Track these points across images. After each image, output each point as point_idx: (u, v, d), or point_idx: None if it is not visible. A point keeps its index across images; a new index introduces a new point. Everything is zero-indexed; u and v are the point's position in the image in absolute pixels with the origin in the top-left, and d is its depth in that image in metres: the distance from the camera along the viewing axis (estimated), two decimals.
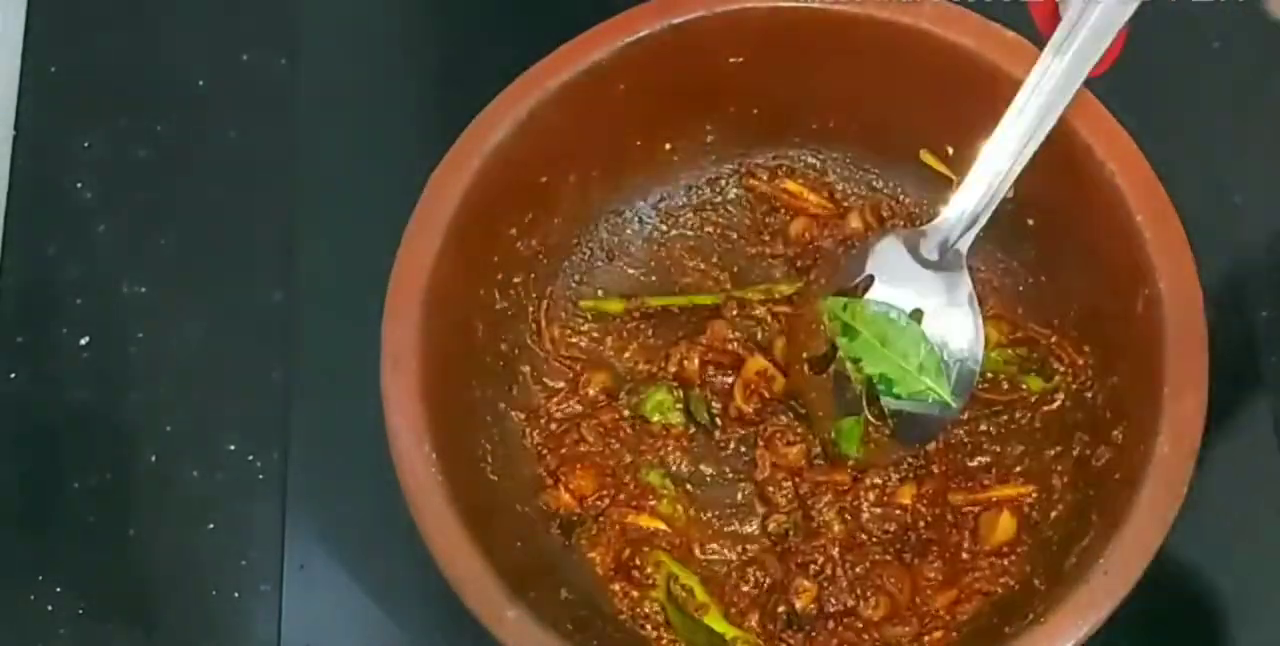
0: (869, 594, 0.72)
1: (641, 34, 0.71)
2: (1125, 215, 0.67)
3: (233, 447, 0.80)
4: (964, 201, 0.70)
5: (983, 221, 0.70)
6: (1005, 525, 0.73)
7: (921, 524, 0.74)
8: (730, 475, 0.76)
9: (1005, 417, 0.76)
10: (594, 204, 0.80)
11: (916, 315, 0.72)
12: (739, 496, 0.76)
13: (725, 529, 0.75)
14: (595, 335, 0.79)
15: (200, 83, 0.89)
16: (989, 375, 0.76)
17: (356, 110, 0.87)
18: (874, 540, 0.74)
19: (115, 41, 0.91)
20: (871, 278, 0.73)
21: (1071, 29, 0.66)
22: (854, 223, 0.80)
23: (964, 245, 0.71)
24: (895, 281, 0.73)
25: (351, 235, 0.82)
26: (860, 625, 0.71)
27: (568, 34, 0.72)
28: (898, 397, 0.72)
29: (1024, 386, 0.76)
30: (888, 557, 0.73)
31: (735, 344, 0.77)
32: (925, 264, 0.72)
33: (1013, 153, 0.68)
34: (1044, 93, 0.67)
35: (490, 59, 0.75)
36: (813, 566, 0.73)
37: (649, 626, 0.72)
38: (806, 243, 0.80)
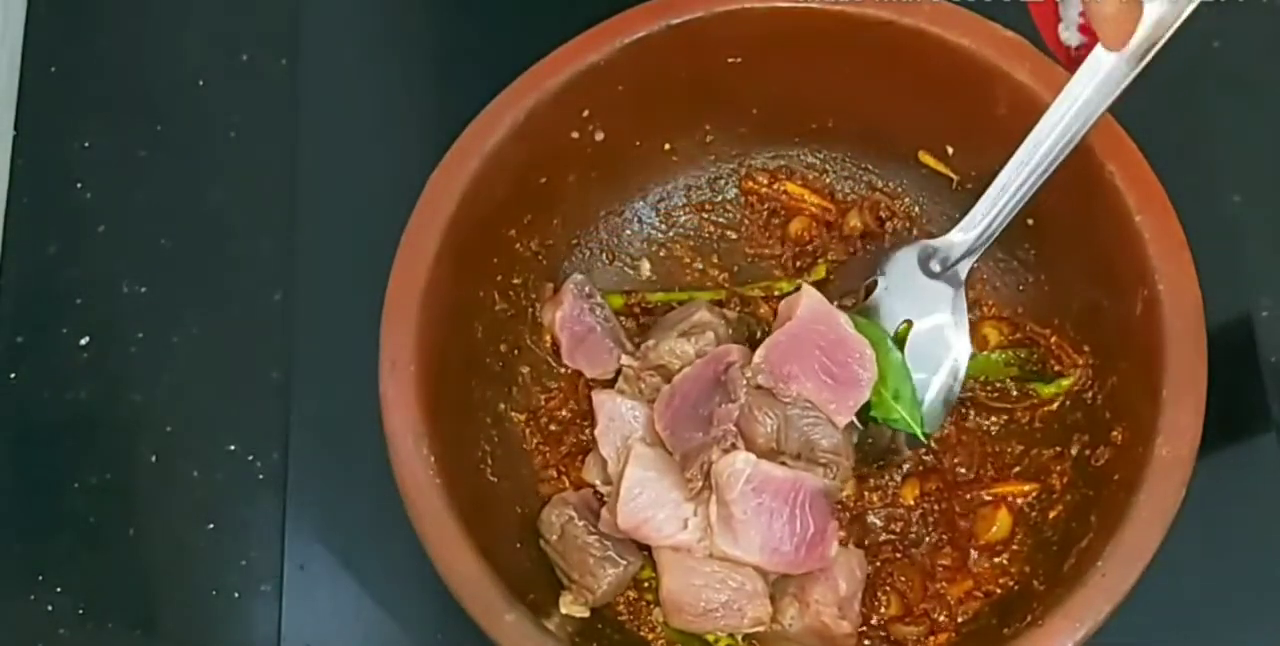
0: (879, 593, 0.72)
1: (640, 34, 0.71)
2: (1125, 215, 0.67)
3: (233, 447, 0.80)
4: (973, 227, 0.71)
5: (982, 250, 0.71)
6: (1001, 523, 0.73)
7: (930, 519, 0.74)
8: None
9: (1005, 417, 0.76)
10: (593, 204, 0.80)
11: (906, 325, 0.72)
12: None
13: None
14: None
15: (200, 83, 0.89)
16: (984, 379, 0.76)
17: (356, 110, 0.87)
18: (881, 540, 0.74)
19: (115, 41, 0.91)
20: (875, 281, 0.73)
21: (1101, 60, 0.65)
22: (853, 222, 0.80)
23: (962, 269, 0.72)
24: (897, 288, 0.73)
25: (351, 235, 0.83)
26: (874, 623, 0.72)
27: (567, 34, 0.72)
28: (874, 420, 0.72)
29: (1032, 393, 0.75)
30: (897, 556, 0.73)
31: None
32: (929, 276, 0.72)
33: (1029, 183, 0.68)
34: (1065, 123, 0.66)
35: (490, 59, 0.75)
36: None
37: (646, 628, 0.72)
38: (806, 242, 0.80)
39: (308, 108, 0.87)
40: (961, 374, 0.72)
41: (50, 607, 0.77)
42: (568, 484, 0.75)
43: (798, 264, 0.80)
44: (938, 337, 0.72)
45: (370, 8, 0.91)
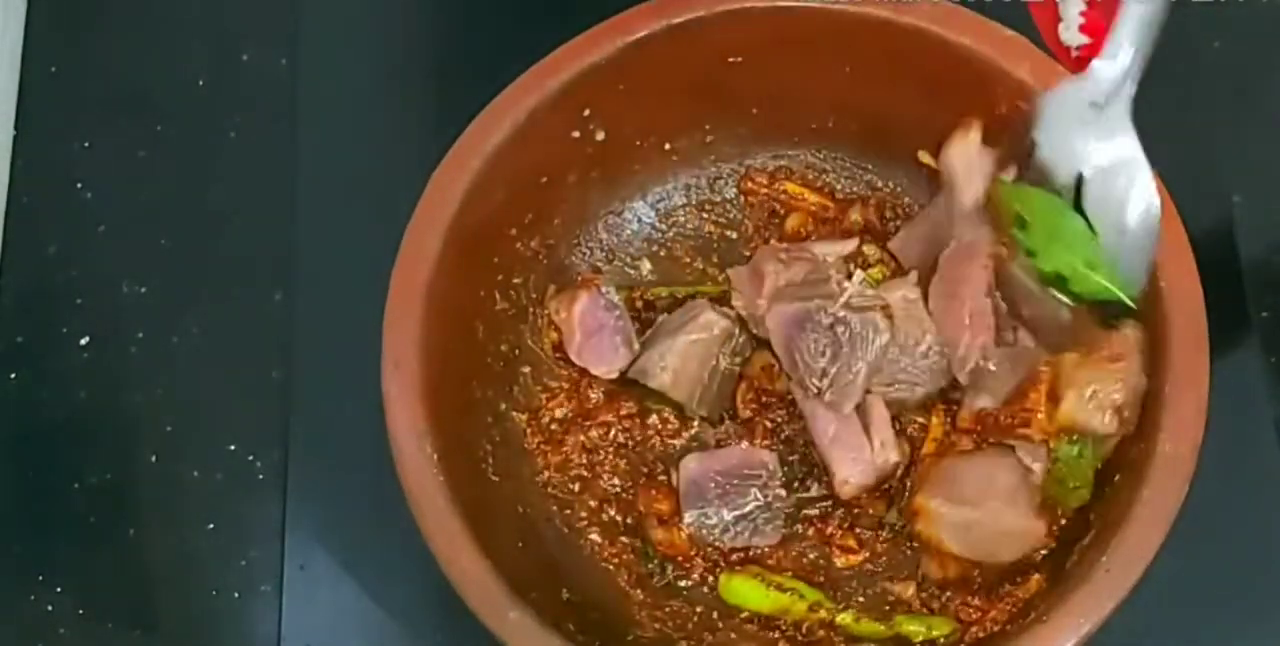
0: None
1: (640, 34, 0.71)
2: None
3: (233, 447, 0.80)
4: (1117, 52, 0.63)
5: (1138, 78, 0.64)
6: None
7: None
8: None
9: None
10: (594, 204, 0.80)
11: (1077, 182, 0.65)
12: None
13: None
14: None
15: (200, 83, 0.89)
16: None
17: (356, 110, 0.87)
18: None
19: (115, 41, 0.91)
20: (1034, 143, 0.67)
21: None
22: (854, 215, 0.80)
23: (1127, 97, 0.64)
24: (1057, 144, 0.66)
25: (351, 235, 0.82)
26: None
27: (567, 34, 0.72)
28: (1076, 296, 0.67)
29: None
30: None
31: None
32: (1085, 122, 0.65)
33: None
34: None
35: (490, 59, 0.75)
36: None
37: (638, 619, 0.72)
38: (803, 238, 0.80)
39: (307, 108, 0.87)
40: (1156, 212, 0.64)
41: (50, 607, 0.77)
42: (568, 484, 0.76)
43: None
44: (1117, 187, 0.64)
45: (370, 8, 0.91)
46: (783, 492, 0.73)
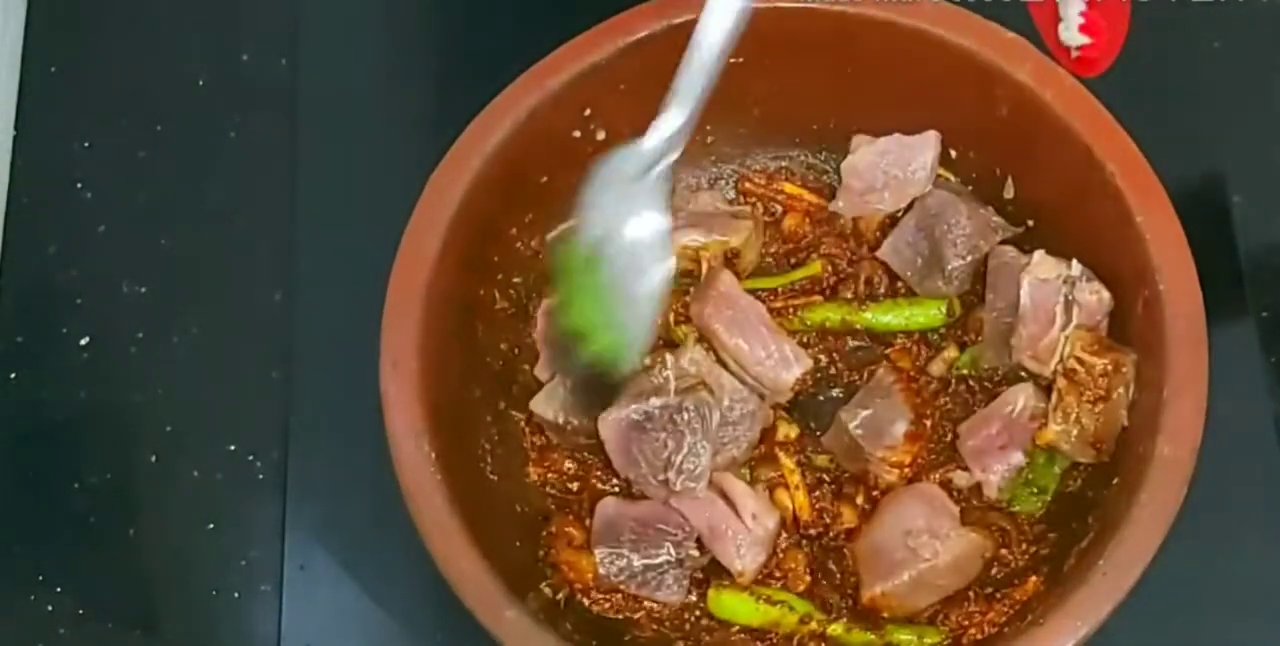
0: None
1: (641, 34, 0.71)
2: (1126, 216, 0.67)
3: (233, 447, 0.80)
4: (670, 123, 0.64)
5: (683, 143, 0.65)
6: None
7: None
8: None
9: None
10: None
11: (605, 236, 0.66)
12: None
13: None
14: None
15: (200, 83, 0.89)
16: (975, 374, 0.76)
17: (356, 110, 0.87)
18: None
19: (115, 41, 0.91)
20: (586, 202, 0.67)
21: None
22: (788, 223, 0.80)
23: (664, 172, 0.66)
24: (603, 206, 0.66)
25: (351, 235, 0.82)
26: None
27: (567, 34, 0.72)
28: (588, 353, 0.67)
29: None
30: None
31: None
32: (626, 190, 0.66)
33: (709, 66, 0.63)
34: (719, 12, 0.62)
35: (490, 59, 0.75)
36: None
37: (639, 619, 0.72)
38: (799, 238, 0.80)
39: (307, 107, 0.87)
40: (659, 288, 0.66)
41: (50, 607, 0.77)
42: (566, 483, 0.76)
43: (792, 260, 0.80)
44: (642, 254, 0.66)
45: (370, 8, 0.91)
46: (696, 552, 0.71)
